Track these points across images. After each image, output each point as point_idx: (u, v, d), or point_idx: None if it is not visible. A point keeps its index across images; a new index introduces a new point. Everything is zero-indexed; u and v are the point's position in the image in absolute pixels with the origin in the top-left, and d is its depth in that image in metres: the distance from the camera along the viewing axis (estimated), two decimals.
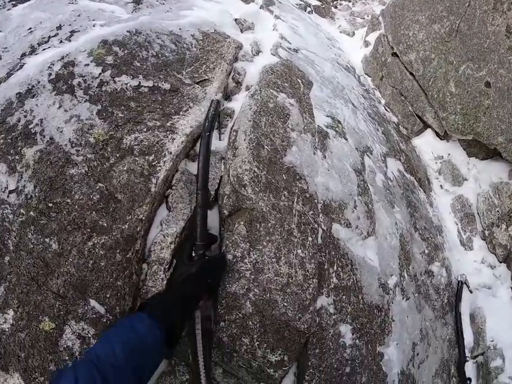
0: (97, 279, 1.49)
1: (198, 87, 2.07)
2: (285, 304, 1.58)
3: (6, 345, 1.42)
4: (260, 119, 2.00)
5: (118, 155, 1.66)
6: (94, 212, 1.55)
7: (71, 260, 1.49)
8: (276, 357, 1.57)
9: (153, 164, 1.66)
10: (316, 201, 1.85)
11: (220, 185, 1.79)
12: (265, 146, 1.87)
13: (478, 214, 3.12)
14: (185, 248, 1.60)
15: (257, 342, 1.56)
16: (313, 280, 1.66)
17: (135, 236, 1.55)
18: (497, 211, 2.97)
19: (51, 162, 1.58)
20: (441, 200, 3.22)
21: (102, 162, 1.63)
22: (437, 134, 3.47)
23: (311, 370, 1.65)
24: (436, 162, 3.43)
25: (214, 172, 1.86)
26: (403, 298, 2.12)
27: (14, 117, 1.65)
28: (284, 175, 1.83)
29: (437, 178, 3.36)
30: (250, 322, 1.56)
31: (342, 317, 1.73)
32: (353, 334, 1.76)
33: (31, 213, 1.51)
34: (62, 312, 1.45)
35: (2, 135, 1.62)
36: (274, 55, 2.73)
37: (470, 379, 2.50)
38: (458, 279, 2.72)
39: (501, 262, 2.88)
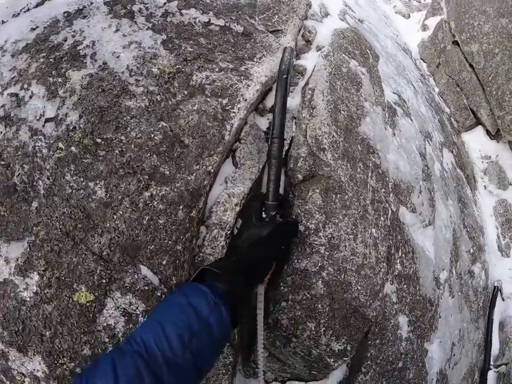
0: (153, 241, 1.20)
1: (272, 36, 1.86)
2: (359, 287, 1.43)
3: (26, 319, 1.10)
4: (335, 82, 1.81)
5: (186, 92, 1.42)
6: (154, 155, 1.27)
7: (121, 213, 1.18)
8: (340, 345, 1.41)
9: (227, 108, 1.45)
10: (387, 179, 1.70)
11: (291, 147, 1.61)
12: (342, 112, 1.69)
13: None
14: (253, 207, 1.39)
15: (324, 328, 1.39)
16: (384, 264, 1.51)
17: (201, 191, 1.30)
18: None
19: (103, 89, 1.31)
20: (484, 202, 3.07)
21: (167, 97, 1.38)
22: (488, 133, 3.29)
23: (368, 362, 1.52)
24: (483, 162, 3.26)
25: (285, 131, 1.68)
26: (450, 295, 2.00)
27: (59, 35, 1.40)
28: (359, 146, 1.66)
29: (482, 178, 3.20)
30: (319, 305, 1.39)
31: (401, 307, 1.60)
32: (408, 327, 1.64)
33: (73, 148, 1.22)
34: (104, 281, 1.14)
35: (43, 54, 1.36)
36: (342, 20, 2.52)
37: None
38: (495, 285, 2.60)
39: None
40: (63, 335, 1.10)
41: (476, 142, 3.32)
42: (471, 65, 3.34)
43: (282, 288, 1.41)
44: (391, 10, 4.46)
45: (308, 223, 1.44)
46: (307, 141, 1.54)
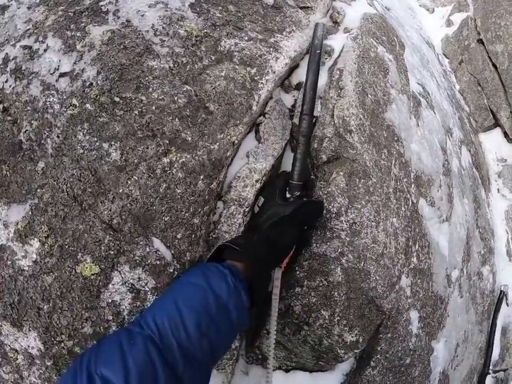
0: (168, 211, 1.09)
1: (302, 12, 1.77)
2: (377, 277, 1.35)
3: (23, 291, 0.99)
4: (363, 65, 1.72)
5: (213, 57, 1.33)
6: (177, 119, 1.17)
7: (136, 178, 1.08)
8: (352, 337, 1.34)
9: (255, 78, 1.36)
10: (409, 169, 1.62)
11: (317, 127, 1.53)
12: (369, 95, 1.61)
13: None
14: (277, 185, 1.31)
15: (338, 317, 1.32)
16: (402, 255, 1.44)
17: (223, 162, 1.21)
18: None
19: (125, 47, 1.20)
20: (496, 205, 2.99)
21: (193, 61, 1.28)
22: (506, 135, 3.20)
23: (378, 356, 1.45)
24: (498, 164, 3.17)
25: None
26: (459, 295, 1.93)
27: None
28: (384, 132, 1.58)
29: (496, 181, 3.12)
30: (336, 293, 1.31)
31: (414, 302, 1.53)
32: (419, 323, 1.57)
33: (88, 105, 1.11)
34: (112, 252, 1.03)
35: (62, 7, 1.26)
36: (371, 6, 2.42)
37: None
38: (501, 289, 2.53)
39: None
40: (63, 310, 1.00)
41: (493, 143, 3.23)
42: (494, 65, 3.24)
43: (297, 273, 1.33)
44: (415, 3, 4.33)
45: (330, 207, 1.35)
46: (333, 121, 1.45)
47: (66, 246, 1.02)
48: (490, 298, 2.39)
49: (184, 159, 1.15)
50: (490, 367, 2.42)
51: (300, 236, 1.20)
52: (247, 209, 1.29)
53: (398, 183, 1.52)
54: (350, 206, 1.36)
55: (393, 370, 1.49)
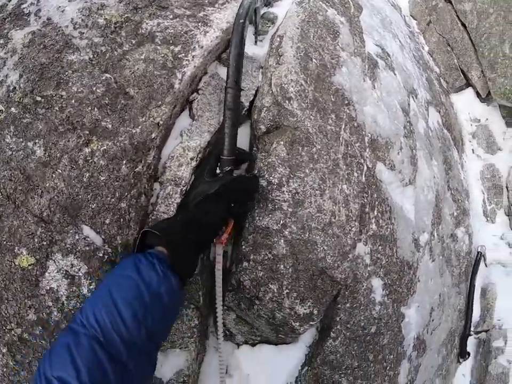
0: (94, 199, 1.12)
1: None
2: (325, 247, 1.29)
3: None
4: (308, 29, 1.62)
5: (134, 41, 1.30)
6: (96, 109, 1.18)
7: (59, 171, 1.12)
8: (305, 309, 1.29)
9: (179, 56, 1.30)
10: (363, 132, 1.53)
11: (256, 98, 1.45)
12: (314, 60, 1.51)
13: (506, 187, 2.85)
14: (208, 162, 1.27)
15: (287, 290, 1.27)
16: (356, 223, 1.36)
17: (148, 145, 1.21)
18: None
19: (45, 46, 1.21)
20: (471, 165, 2.92)
21: (113, 48, 1.27)
22: (478, 95, 3.10)
23: (338, 327, 1.39)
24: (471, 125, 3.09)
25: (250, 81, 1.51)
26: (430, 258, 1.87)
27: None
28: (332, 96, 1.49)
29: (470, 141, 3.04)
30: (281, 266, 1.26)
31: (376, 269, 1.46)
32: (383, 290, 1.51)
33: (13, 109, 1.14)
34: (44, 243, 1.08)
35: None
36: None
37: (469, 353, 2.32)
38: (478, 250, 2.48)
39: None
40: (9, 300, 1.05)
41: (465, 104, 3.13)
42: (463, 24, 3.12)
43: (243, 247, 1.28)
44: None
45: (271, 178, 1.29)
46: (271, 90, 1.37)
47: (4, 242, 1.06)
48: (467, 260, 2.33)
49: (105, 147, 1.16)
50: (472, 329, 2.38)
51: (229, 212, 1.16)
52: (184, 188, 1.25)
53: (349, 148, 1.44)
54: (291, 176, 1.29)
55: (358, 340, 1.44)
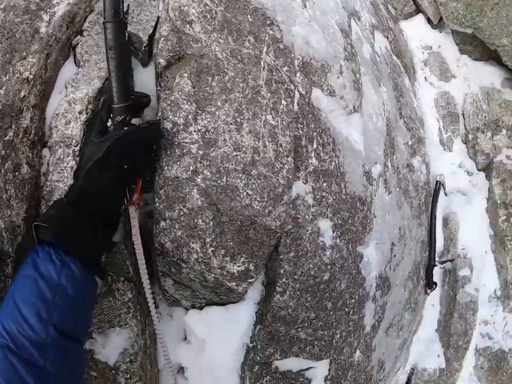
0: None
1: None
2: (249, 192, 1.08)
3: None
4: None
5: None
6: None
7: None
8: (239, 266, 1.11)
9: None
10: (292, 55, 1.30)
11: (156, 29, 1.20)
12: None
13: (463, 115, 2.71)
14: (97, 115, 1.06)
15: (212, 248, 1.08)
16: (288, 159, 1.15)
17: (18, 106, 1.01)
18: (485, 117, 2.55)
19: None
20: (424, 93, 2.74)
21: None
22: (429, 21, 2.88)
23: (284, 280, 1.22)
24: (423, 52, 2.89)
25: (148, 11, 1.25)
26: (386, 191, 1.71)
27: None
28: (249, 16, 1.24)
29: (422, 69, 2.85)
30: (200, 221, 1.07)
31: (321, 210, 1.27)
32: (333, 232, 1.32)
33: None
34: None
35: None
36: None
37: (436, 283, 2.25)
38: (437, 179, 2.36)
39: (479, 170, 2.52)
40: None
41: (416, 31, 2.90)
42: None
43: (157, 205, 1.07)
44: None
45: (175, 118, 1.07)
46: (169, 15, 1.11)
47: None
48: (425, 190, 2.20)
49: None
50: (436, 259, 2.30)
51: (126, 171, 0.98)
52: (76, 149, 1.05)
53: (274, 74, 1.21)
54: (199, 112, 1.06)
55: (310, 290, 1.27)
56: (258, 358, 1.32)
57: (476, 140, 2.55)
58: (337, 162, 1.35)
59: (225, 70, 1.11)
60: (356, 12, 2.04)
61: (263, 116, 1.12)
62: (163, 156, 1.08)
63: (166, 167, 1.06)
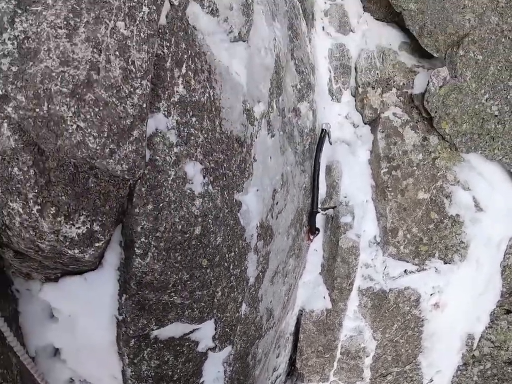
0: None
1: None
2: (81, 124, 0.75)
3: None
4: None
5: None
6: None
7: None
8: (78, 227, 0.82)
9: None
10: None
11: None
12: None
13: (355, 69, 2.61)
14: None
15: (37, 206, 0.77)
16: (143, 82, 0.84)
17: None
18: (377, 73, 2.49)
19: None
20: (320, 42, 2.57)
21: None
22: None
23: (143, 239, 0.95)
24: (326, 2, 2.68)
25: None
26: (268, 134, 1.50)
27: None
28: None
29: (322, 19, 2.65)
30: (15, 169, 0.74)
31: (189, 150, 1.00)
32: (204, 177, 1.07)
33: None
34: None
35: None
36: None
37: (318, 229, 2.21)
38: (323, 127, 2.24)
39: (365, 124, 2.49)
40: None
41: None
42: None
43: None
44: None
45: None
46: None
47: None
48: (311, 137, 2.06)
49: None
50: (319, 206, 2.24)
51: None
52: None
53: None
54: (19, 12, 0.72)
55: (179, 249, 1.03)
56: (131, 332, 1.08)
57: (366, 94, 2.48)
58: (212, 94, 1.08)
59: None
60: None
61: (112, 22, 0.79)
62: None
63: None
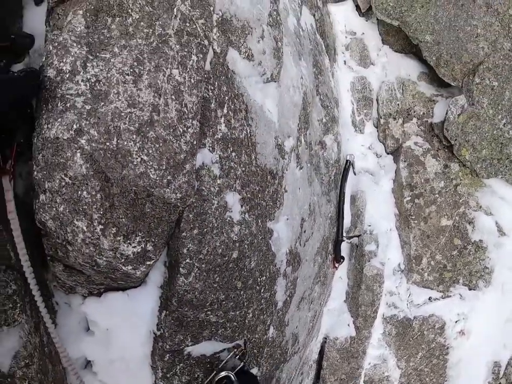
0: None
1: None
2: (144, 158, 0.88)
3: None
4: None
5: None
6: None
7: None
8: (134, 246, 0.92)
9: None
10: (211, 8, 1.09)
11: None
12: None
13: (377, 100, 2.70)
14: None
15: (100, 226, 0.87)
16: (194, 122, 0.96)
17: None
18: (398, 104, 2.57)
19: None
20: (342, 76, 2.69)
21: None
22: (358, 8, 2.80)
23: (187, 261, 1.05)
24: (346, 37, 2.81)
25: None
26: (297, 166, 1.60)
27: None
28: None
29: (343, 53, 2.78)
30: (85, 192, 0.85)
31: (229, 182, 1.11)
32: (242, 206, 1.18)
33: None
34: None
35: None
36: None
37: (343, 257, 2.25)
38: (347, 158, 2.32)
39: (388, 154, 2.56)
40: None
41: (343, 15, 2.80)
42: None
43: (35, 173, 0.84)
44: None
45: (61, 64, 0.82)
46: None
47: None
48: (336, 168, 2.15)
49: None
50: (344, 234, 2.29)
51: None
52: None
53: (188, 24, 1.00)
54: (91, 57, 0.84)
55: (218, 270, 1.12)
56: (168, 346, 1.15)
57: (387, 125, 2.56)
58: (248, 131, 1.19)
59: (129, 11, 0.88)
60: None
61: (168, 70, 0.92)
62: (43, 112, 0.83)
63: (45, 126, 0.82)
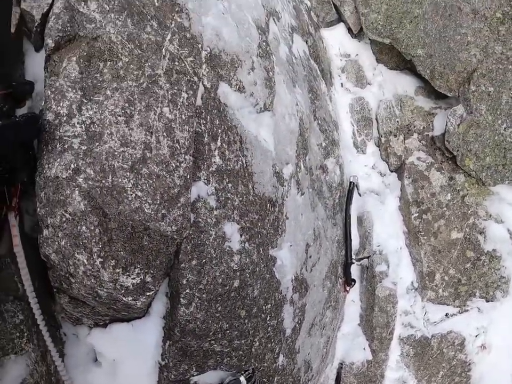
0: None
1: None
2: (138, 193, 0.91)
3: None
4: None
5: None
6: None
7: None
8: (133, 278, 0.94)
9: None
10: (199, 46, 1.14)
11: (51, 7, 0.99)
12: None
13: (376, 119, 2.71)
14: None
15: (100, 259, 0.91)
16: (187, 156, 0.99)
17: None
18: (397, 121, 2.57)
19: None
20: (340, 98, 2.71)
21: None
22: (350, 31, 2.86)
23: (187, 291, 1.06)
24: (341, 60, 2.86)
25: None
26: (298, 192, 1.60)
27: None
28: (155, 0, 1.07)
29: (339, 76, 2.82)
30: (84, 227, 0.89)
31: (227, 212, 1.12)
32: (241, 236, 1.18)
33: None
34: None
35: None
36: None
37: (354, 280, 2.21)
38: (351, 180, 2.32)
39: (392, 171, 2.54)
40: None
41: (336, 39, 2.86)
42: None
43: (39, 210, 0.88)
44: None
45: (59, 108, 0.87)
46: None
47: None
48: (339, 191, 2.14)
49: None
50: (353, 257, 2.25)
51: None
52: None
53: (177, 63, 1.04)
54: (85, 101, 0.88)
55: (220, 300, 1.12)
56: (173, 376, 1.14)
57: (389, 143, 2.56)
58: (244, 161, 1.21)
59: (119, 55, 0.93)
60: (276, 12, 1.93)
61: (159, 108, 0.95)
62: (43, 153, 0.88)
63: (46, 166, 0.87)
